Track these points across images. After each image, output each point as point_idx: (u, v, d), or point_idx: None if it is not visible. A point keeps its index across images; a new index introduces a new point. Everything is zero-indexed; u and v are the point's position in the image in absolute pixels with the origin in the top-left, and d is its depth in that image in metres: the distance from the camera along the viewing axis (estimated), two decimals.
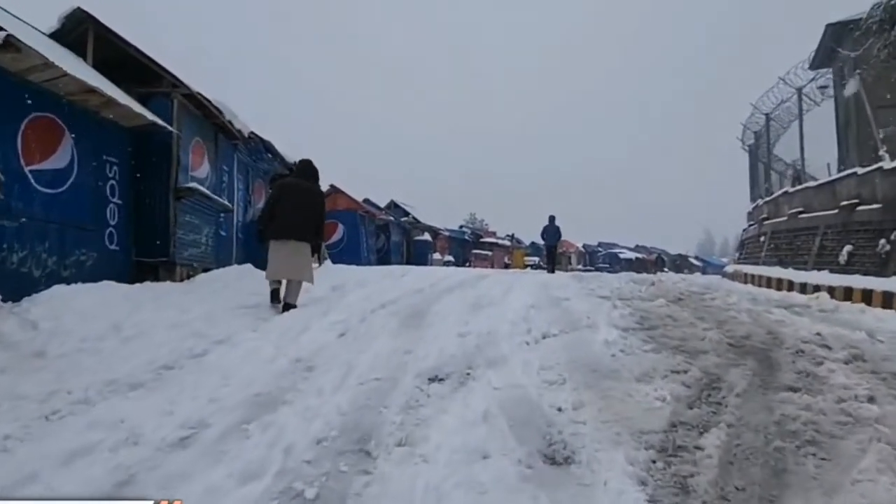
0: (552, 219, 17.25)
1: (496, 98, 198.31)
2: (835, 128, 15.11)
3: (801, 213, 12.00)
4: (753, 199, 17.98)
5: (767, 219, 14.29)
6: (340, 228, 19.09)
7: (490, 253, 32.77)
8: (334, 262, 18.76)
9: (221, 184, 7.90)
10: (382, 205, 26.64)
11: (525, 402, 2.88)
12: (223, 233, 7.96)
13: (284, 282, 5.74)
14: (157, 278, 6.09)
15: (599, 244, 47.67)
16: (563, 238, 20.55)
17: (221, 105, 7.32)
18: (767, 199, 14.71)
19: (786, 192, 13.26)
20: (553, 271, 16.45)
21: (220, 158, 7.85)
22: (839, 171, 12.25)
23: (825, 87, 16.94)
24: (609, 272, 36.65)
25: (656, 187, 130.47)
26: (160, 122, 6.06)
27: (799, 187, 12.62)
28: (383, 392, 3.03)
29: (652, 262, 39.60)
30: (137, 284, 5.52)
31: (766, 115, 15.68)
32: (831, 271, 9.51)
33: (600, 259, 43.75)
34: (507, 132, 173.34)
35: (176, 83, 6.57)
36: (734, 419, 2.66)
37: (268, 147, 8.95)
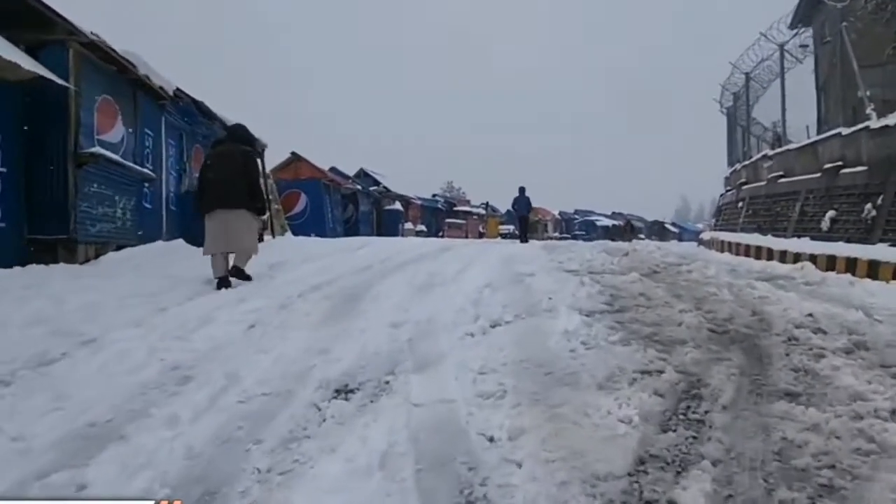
0: (522, 190, 17.39)
1: (477, 62, 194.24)
2: (814, 88, 14.52)
3: (781, 177, 11.44)
4: (731, 164, 17.44)
5: (746, 183, 13.74)
6: (303, 199, 18.13)
7: (464, 222, 32.03)
8: (296, 233, 17.86)
9: (144, 149, 6.96)
10: (351, 173, 25.60)
11: (448, 427, 2.18)
12: (148, 205, 7.06)
13: (231, 259, 5.38)
14: (56, 259, 5.24)
15: (576, 211, 47.19)
16: (535, 207, 20.34)
17: (134, 57, 6.34)
18: (746, 162, 14.14)
19: (765, 156, 12.68)
20: (526, 241, 16.10)
21: (142, 120, 6.90)
22: (819, 133, 11.68)
23: (805, 45, 16.32)
24: (585, 240, 36.25)
25: (633, 154, 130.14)
26: (50, 75, 5.11)
27: (779, 150, 12.03)
28: (266, 416, 2.30)
29: (624, 228, 39.06)
30: (18, 268, 4.66)
31: (746, 74, 15.00)
32: (813, 238, 9.00)
33: (577, 226, 43.32)
34: (486, 98, 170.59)
35: (72, 30, 5.58)
36: (721, 450, 1.99)
37: (202, 108, 7.98)
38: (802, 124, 12.96)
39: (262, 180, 6.04)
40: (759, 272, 7.44)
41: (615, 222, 45.13)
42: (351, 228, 21.16)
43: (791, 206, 10.77)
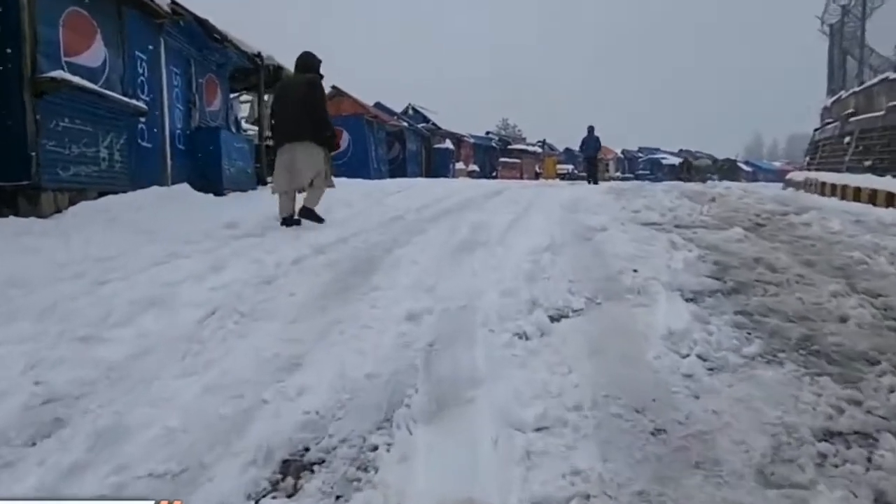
0: (591, 129, 16.52)
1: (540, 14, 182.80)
2: None
3: None
4: (832, 93, 14.95)
5: (855, 114, 11.54)
6: (345, 137, 16.90)
7: (519, 161, 30.11)
8: (338, 175, 16.85)
9: (136, 77, 5.88)
10: (399, 110, 24.15)
11: None
12: (145, 143, 6.04)
13: (300, 198, 5.18)
14: (17, 211, 4.32)
15: (640, 149, 44.06)
16: (603, 146, 19.02)
17: None
18: (857, 89, 11.85)
19: (886, 79, 10.45)
20: (595, 182, 15.47)
21: (132, 42, 5.78)
22: None
23: None
24: (650, 179, 33.82)
25: (704, 88, 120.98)
26: None
27: None
28: None
29: (682, 167, 35.78)
30: None
31: None
32: None
33: (640, 166, 40.48)
34: (550, 34, 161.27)
35: None
36: None
37: (209, 29, 6.79)
38: None
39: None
40: (894, 223, 5.81)
41: (680, 160, 41.98)
42: (397, 169, 19.95)
43: None
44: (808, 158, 15.06)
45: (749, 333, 2.37)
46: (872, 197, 8.60)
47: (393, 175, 18.85)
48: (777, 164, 56.77)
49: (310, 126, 5.06)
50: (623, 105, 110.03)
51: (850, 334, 2.38)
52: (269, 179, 9.96)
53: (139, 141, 5.94)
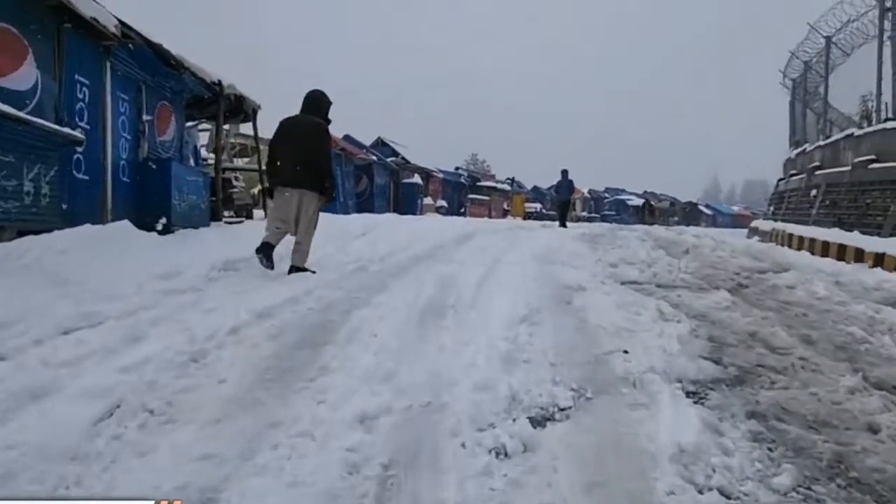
0: (565, 173, 16.68)
1: (501, 38, 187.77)
2: None
3: (872, 161, 9.45)
4: (796, 144, 15.31)
5: (821, 168, 11.71)
6: None
7: (488, 198, 30.07)
8: None
9: (74, 103, 5.31)
10: (368, 142, 23.85)
11: None
12: (82, 175, 5.43)
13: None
14: None
15: (606, 190, 44.81)
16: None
17: None
18: (822, 143, 12.07)
19: (851, 136, 10.62)
20: (565, 225, 15.66)
21: (72, 65, 5.23)
22: None
23: None
24: (616, 219, 34.16)
25: (665, 131, 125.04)
26: None
27: (872, 128, 9.98)
28: None
29: (645, 209, 36.25)
30: None
31: (827, 38, 12.83)
32: None
33: (606, 206, 41.02)
34: (514, 71, 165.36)
35: None
36: None
37: (162, 54, 6.29)
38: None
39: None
40: (877, 288, 5.63)
41: (644, 201, 42.77)
42: (365, 203, 19.52)
43: (888, 199, 8.81)
44: (772, 208, 15.27)
45: (771, 450, 1.98)
46: (841, 252, 8.57)
47: (360, 209, 18.40)
48: (735, 208, 58.58)
49: (313, 174, 4.96)
50: (590, 145, 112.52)
51: (888, 453, 2.00)
52: (225, 214, 9.42)
53: (74, 173, 5.34)
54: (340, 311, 3.54)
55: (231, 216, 10.30)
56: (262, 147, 9.41)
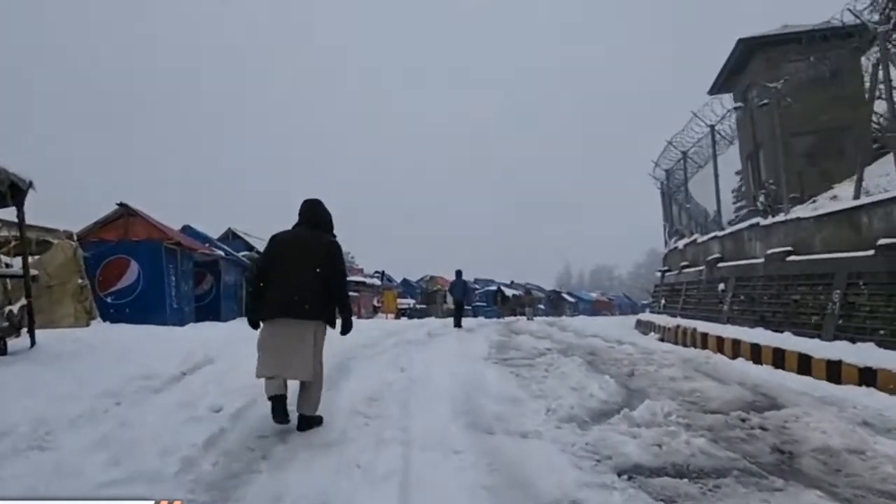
0: (459, 273, 17.24)
1: (360, 126, 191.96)
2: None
3: (790, 253, 8.65)
4: (677, 233, 15.05)
5: (722, 259, 10.99)
6: (133, 268, 12.97)
7: (357, 294, 27.47)
8: (120, 318, 12.58)
9: None
10: (216, 235, 20.53)
11: None
12: None
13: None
14: None
15: (476, 280, 44.37)
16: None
17: None
18: (721, 234, 11.44)
19: (757, 225, 9.99)
20: (460, 325, 15.57)
21: None
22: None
23: (740, 106, 14.88)
24: (486, 311, 33.29)
25: (525, 220, 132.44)
26: None
27: (781, 218, 9.33)
28: None
29: (502, 297, 36.18)
30: None
31: (684, 152, 13.10)
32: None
33: (477, 296, 40.31)
34: (374, 158, 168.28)
35: None
36: None
37: None
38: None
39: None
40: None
41: (515, 292, 42.86)
42: (208, 307, 16.04)
43: (823, 294, 7.89)
44: (663, 301, 14.57)
45: None
46: (778, 358, 7.36)
47: (201, 315, 14.94)
48: (593, 294, 61.54)
49: (326, 302, 4.09)
50: (460, 234, 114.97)
51: None
52: None
53: None
54: None
55: None
56: (33, 237, 6.22)
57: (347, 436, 3.55)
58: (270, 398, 3.79)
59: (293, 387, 3.91)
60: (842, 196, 11.33)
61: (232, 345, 7.48)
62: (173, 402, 4.00)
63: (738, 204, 17.74)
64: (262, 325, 4.02)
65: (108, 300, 12.84)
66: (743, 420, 4.25)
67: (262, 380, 3.84)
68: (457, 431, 3.58)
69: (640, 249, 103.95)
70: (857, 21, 9.18)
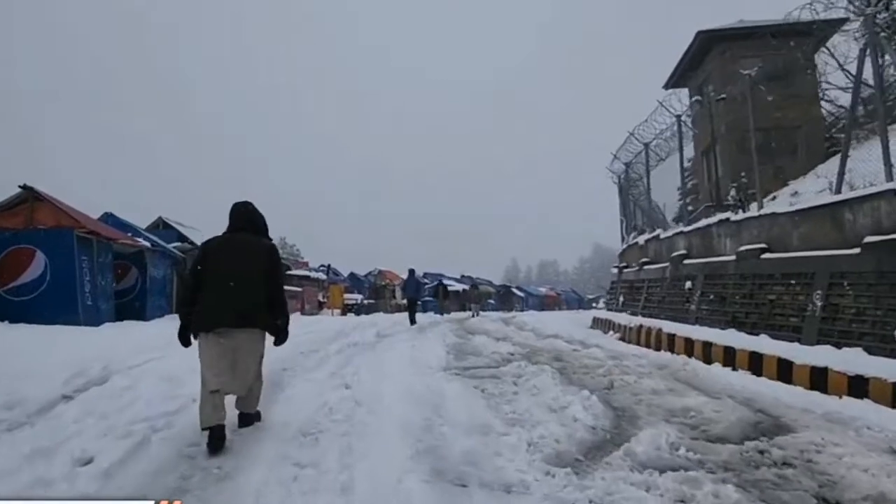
0: (412, 272, 17.95)
1: (311, 110, 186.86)
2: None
3: (764, 250, 8.17)
4: (635, 229, 14.59)
5: (689, 256, 10.49)
6: (40, 259, 11.35)
7: (300, 289, 26.01)
8: (20, 318, 10.97)
9: None
10: (144, 224, 18.75)
11: None
12: None
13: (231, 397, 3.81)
14: None
15: (425, 275, 43.43)
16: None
17: None
18: (687, 229, 10.94)
19: (727, 220, 9.49)
20: (414, 321, 16.16)
21: None
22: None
23: (699, 99, 14.60)
24: (434, 306, 32.39)
25: (477, 214, 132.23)
26: None
27: (755, 213, 8.85)
28: None
29: (444, 292, 35.48)
30: None
31: (645, 144, 12.56)
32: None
33: (427, 291, 39.40)
34: (323, 150, 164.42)
35: None
36: None
37: None
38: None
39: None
40: None
41: (465, 287, 42.25)
42: (131, 304, 14.40)
43: (802, 295, 7.41)
44: (621, 298, 14.08)
45: None
46: (754, 362, 6.82)
47: (123, 314, 13.36)
48: (542, 289, 61.74)
49: (265, 310, 3.87)
50: (411, 228, 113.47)
51: None
52: None
53: None
54: None
55: None
56: None
57: (266, 502, 2.55)
58: (210, 432, 3.40)
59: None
60: (802, 192, 11.11)
61: (144, 352, 6.32)
62: (22, 450, 2.86)
63: (682, 201, 17.68)
64: (200, 337, 3.73)
65: (9, 297, 11.19)
66: (761, 453, 3.52)
67: (195, 402, 3.57)
68: (417, 487, 2.65)
69: (585, 244, 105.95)
70: (815, 18, 8.92)
